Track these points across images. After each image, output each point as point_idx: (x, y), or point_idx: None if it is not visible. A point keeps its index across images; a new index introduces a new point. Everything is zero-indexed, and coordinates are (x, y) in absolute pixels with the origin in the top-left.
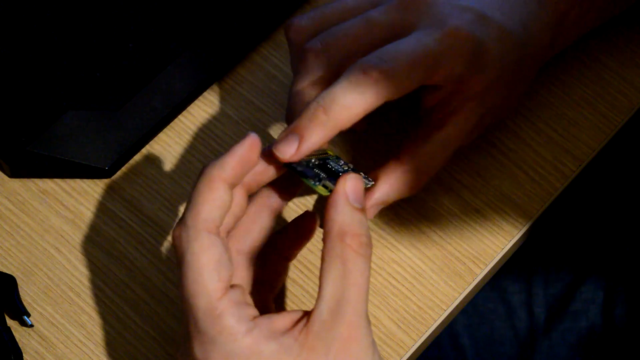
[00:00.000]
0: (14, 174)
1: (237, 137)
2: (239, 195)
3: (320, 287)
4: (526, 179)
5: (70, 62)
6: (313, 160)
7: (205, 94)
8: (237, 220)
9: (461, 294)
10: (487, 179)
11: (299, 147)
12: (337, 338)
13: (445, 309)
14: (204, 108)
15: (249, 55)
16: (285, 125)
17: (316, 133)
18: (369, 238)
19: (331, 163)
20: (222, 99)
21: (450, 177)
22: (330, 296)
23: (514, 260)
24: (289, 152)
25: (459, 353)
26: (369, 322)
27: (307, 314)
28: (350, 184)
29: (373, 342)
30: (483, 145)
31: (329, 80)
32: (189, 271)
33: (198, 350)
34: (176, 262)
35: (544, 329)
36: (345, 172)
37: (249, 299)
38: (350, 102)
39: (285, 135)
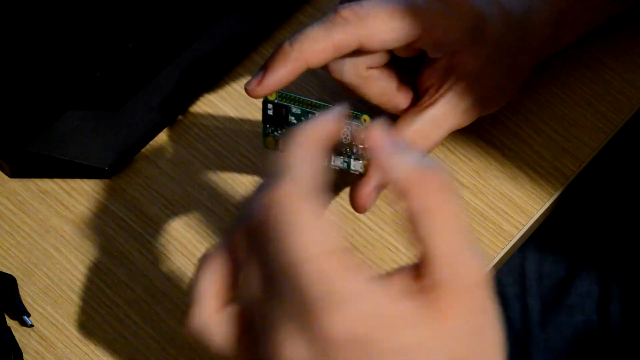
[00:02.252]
0: (14, 174)
1: (237, 137)
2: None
3: (424, 245)
4: (526, 179)
5: (70, 62)
6: (317, 114)
7: (205, 94)
8: None
9: None
10: (487, 179)
11: (262, 80)
12: (465, 289)
13: None
14: (204, 108)
15: (249, 55)
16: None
17: (281, 65)
18: (444, 174)
19: (344, 129)
20: (222, 99)
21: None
22: (444, 251)
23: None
24: (251, 86)
25: None
26: (481, 258)
27: (419, 271)
28: (385, 134)
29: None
30: (483, 145)
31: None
32: (294, 234)
33: (332, 321)
34: (266, 233)
35: (539, 322)
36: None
37: (362, 262)
38: (317, 35)
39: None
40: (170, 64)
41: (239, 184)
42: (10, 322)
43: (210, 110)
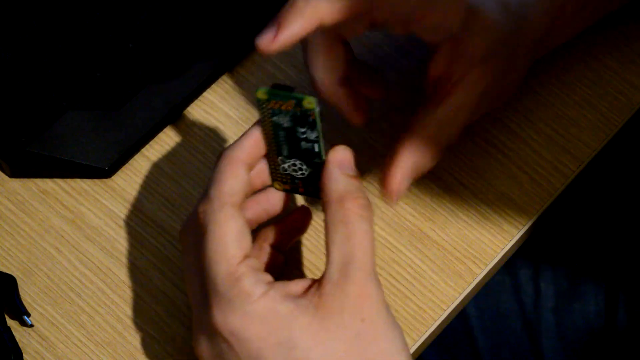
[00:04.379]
0: (14, 174)
1: (237, 137)
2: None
3: (327, 252)
4: (526, 179)
5: (70, 62)
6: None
7: (205, 94)
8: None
9: (461, 294)
10: (487, 179)
11: (276, 35)
12: (349, 296)
13: (445, 309)
14: (204, 108)
15: (249, 55)
16: None
17: (294, 20)
18: (368, 201)
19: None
20: (222, 99)
21: (450, 177)
22: (338, 258)
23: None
24: (265, 41)
25: (465, 322)
26: (378, 281)
27: (317, 281)
28: (339, 155)
29: (385, 301)
30: (483, 145)
31: None
32: (211, 240)
33: (217, 314)
34: (199, 236)
35: (552, 307)
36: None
37: (263, 269)
38: None
39: (266, 27)
40: (170, 63)
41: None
42: (10, 322)
43: (210, 110)
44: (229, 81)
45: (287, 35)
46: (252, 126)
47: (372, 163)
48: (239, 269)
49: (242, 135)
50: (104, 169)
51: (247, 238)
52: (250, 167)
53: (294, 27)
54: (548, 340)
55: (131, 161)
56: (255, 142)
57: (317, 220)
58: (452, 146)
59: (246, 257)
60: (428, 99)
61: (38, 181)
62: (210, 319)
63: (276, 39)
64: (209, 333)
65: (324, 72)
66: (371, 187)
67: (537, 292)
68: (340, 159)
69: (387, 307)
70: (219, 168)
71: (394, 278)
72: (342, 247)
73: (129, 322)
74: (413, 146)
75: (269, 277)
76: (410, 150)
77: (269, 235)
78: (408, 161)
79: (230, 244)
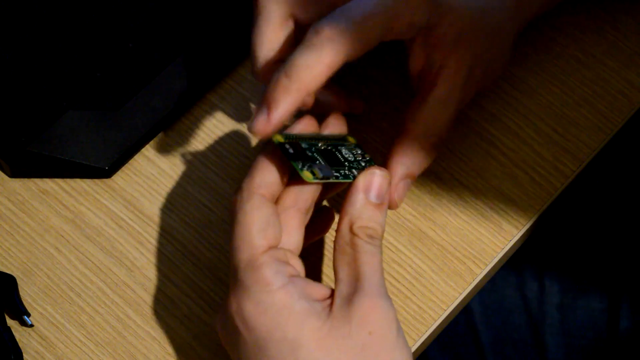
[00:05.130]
0: (14, 174)
1: (238, 137)
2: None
3: (335, 273)
4: (526, 179)
5: (70, 62)
6: (320, 145)
7: (205, 94)
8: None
9: (461, 294)
10: (487, 179)
11: (268, 117)
12: (357, 308)
13: (445, 309)
14: (204, 108)
15: (249, 55)
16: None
17: (283, 99)
18: (379, 232)
19: (344, 151)
20: (222, 99)
21: (450, 177)
22: (346, 276)
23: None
24: (259, 125)
25: (468, 317)
26: (389, 300)
27: (331, 295)
28: (371, 179)
29: (396, 320)
30: (483, 145)
31: None
32: (238, 228)
33: (233, 299)
34: (229, 227)
35: (557, 304)
36: (354, 163)
37: (295, 262)
38: (309, 61)
39: (255, 112)
40: (170, 64)
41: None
42: (10, 322)
43: (210, 110)
44: (229, 81)
45: (280, 115)
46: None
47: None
48: (261, 257)
49: None
50: (104, 169)
51: (275, 229)
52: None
53: (285, 105)
54: (552, 336)
55: (131, 161)
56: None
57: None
58: (452, 146)
59: (271, 247)
60: (416, 93)
61: (38, 181)
62: (228, 302)
63: (270, 122)
64: (226, 315)
65: (267, 51)
66: None
67: (542, 288)
68: (370, 183)
69: (399, 327)
70: (255, 162)
71: (394, 278)
72: (350, 267)
73: (129, 322)
74: (405, 150)
75: (293, 270)
76: (402, 154)
77: None
78: (402, 166)
79: (255, 232)
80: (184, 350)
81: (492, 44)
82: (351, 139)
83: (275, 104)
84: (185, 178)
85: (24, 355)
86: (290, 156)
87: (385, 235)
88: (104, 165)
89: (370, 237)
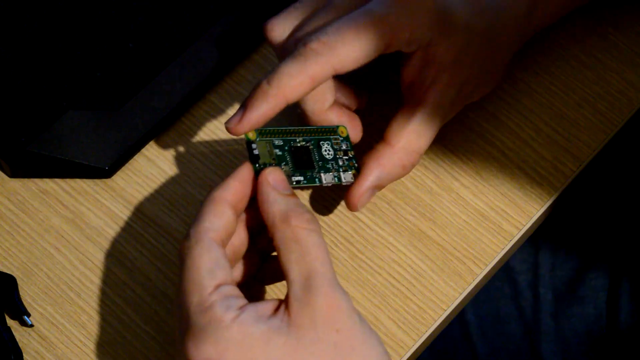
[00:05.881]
0: (14, 174)
1: (237, 137)
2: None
3: (285, 273)
4: (526, 179)
5: (71, 61)
6: (298, 141)
7: (206, 94)
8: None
9: (461, 294)
10: (487, 179)
11: (242, 117)
12: (318, 309)
13: (445, 309)
14: (204, 108)
15: (249, 55)
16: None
17: (260, 102)
18: (312, 215)
19: (325, 147)
20: (222, 99)
21: (450, 177)
22: (298, 275)
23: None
24: (231, 124)
25: (464, 328)
26: (344, 290)
27: (283, 301)
28: (271, 177)
29: (355, 309)
30: (483, 145)
31: None
32: (187, 273)
33: (191, 345)
34: (179, 273)
35: (551, 312)
36: (331, 162)
37: (240, 293)
38: (292, 71)
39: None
40: (170, 64)
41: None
42: (10, 322)
43: (210, 110)
44: (229, 81)
45: (254, 118)
46: (239, 168)
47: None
48: (210, 297)
49: (229, 177)
50: (104, 169)
51: (224, 270)
52: (236, 207)
53: (260, 109)
54: (547, 344)
55: (131, 161)
56: (241, 184)
57: (316, 205)
58: (452, 146)
59: (218, 285)
60: (404, 102)
61: (38, 181)
62: (185, 350)
63: (242, 123)
64: None
65: (315, 103)
66: None
67: (536, 297)
68: (273, 180)
69: (360, 315)
70: (202, 207)
71: (394, 278)
72: (299, 263)
73: (129, 322)
74: (381, 161)
75: (241, 302)
76: (377, 165)
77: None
78: (373, 177)
79: (204, 275)
80: None
81: (490, 65)
82: (342, 130)
83: (250, 107)
84: (185, 178)
85: (24, 355)
86: (253, 157)
87: (385, 235)
88: (104, 165)
89: (309, 221)
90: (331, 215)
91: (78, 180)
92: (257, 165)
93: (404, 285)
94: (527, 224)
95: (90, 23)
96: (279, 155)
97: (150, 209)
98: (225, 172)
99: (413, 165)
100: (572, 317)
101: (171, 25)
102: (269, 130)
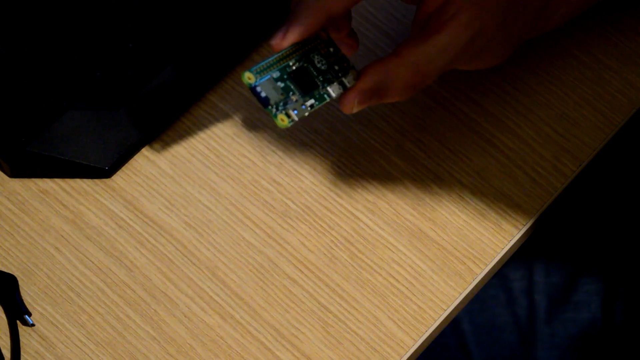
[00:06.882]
0: (14, 174)
1: (237, 138)
2: None
3: None
4: (526, 179)
5: (70, 61)
6: (292, 64)
7: (205, 94)
8: None
9: (461, 294)
10: (487, 179)
11: (286, 31)
12: None
13: (445, 309)
14: (204, 108)
15: (249, 55)
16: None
17: (304, 16)
18: None
19: (317, 59)
20: (222, 99)
21: (450, 177)
22: None
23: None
24: (276, 40)
25: (459, 338)
26: None
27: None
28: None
29: None
30: (483, 145)
31: None
32: None
33: None
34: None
35: (545, 318)
36: (329, 72)
37: None
38: None
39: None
40: (170, 64)
41: (239, 184)
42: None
43: (210, 110)
44: (229, 81)
45: (297, 32)
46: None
47: (372, 162)
48: None
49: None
50: (104, 169)
51: None
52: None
53: (303, 23)
54: (543, 351)
55: (131, 161)
56: None
57: (317, 205)
58: (452, 146)
59: None
60: (416, 33)
61: (38, 181)
62: None
63: (286, 37)
64: None
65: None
66: (370, 187)
67: (531, 304)
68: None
69: None
70: None
71: (394, 278)
72: None
73: (129, 322)
74: (386, 66)
75: None
76: (381, 68)
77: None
78: (373, 78)
79: None
80: (184, 350)
81: (505, 33)
82: (321, 34)
83: (295, 21)
84: (185, 178)
85: (24, 355)
86: (263, 101)
87: (385, 235)
88: (104, 165)
89: None
90: (331, 215)
91: (78, 180)
92: (269, 107)
93: (403, 285)
94: (527, 223)
95: (90, 23)
96: (283, 87)
97: (150, 209)
98: (225, 172)
99: (414, 89)
100: (566, 322)
101: (171, 26)
102: (262, 66)
